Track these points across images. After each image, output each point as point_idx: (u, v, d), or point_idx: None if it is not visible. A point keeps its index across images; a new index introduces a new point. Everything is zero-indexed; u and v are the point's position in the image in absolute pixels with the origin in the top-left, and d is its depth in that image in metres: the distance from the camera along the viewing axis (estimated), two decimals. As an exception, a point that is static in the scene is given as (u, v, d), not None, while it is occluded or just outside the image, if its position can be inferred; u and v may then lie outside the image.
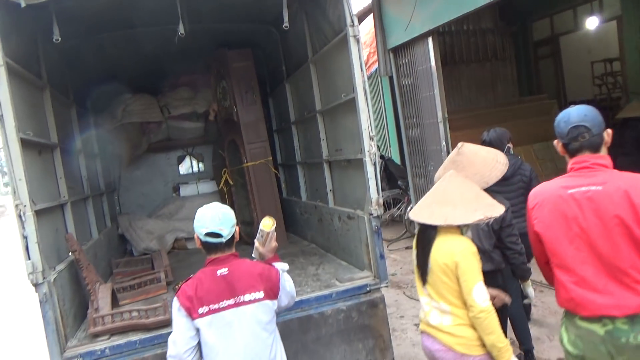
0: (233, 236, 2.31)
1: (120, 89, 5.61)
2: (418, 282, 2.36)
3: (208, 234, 2.23)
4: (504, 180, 2.96)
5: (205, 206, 2.33)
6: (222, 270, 2.23)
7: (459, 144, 2.58)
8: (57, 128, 3.63)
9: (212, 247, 2.27)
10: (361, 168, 3.37)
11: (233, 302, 2.19)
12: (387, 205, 9.31)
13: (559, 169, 2.62)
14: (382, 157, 9.86)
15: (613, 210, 1.91)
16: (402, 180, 8.86)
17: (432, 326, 2.29)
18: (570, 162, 2.06)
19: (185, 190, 6.33)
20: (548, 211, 2.05)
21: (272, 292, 2.28)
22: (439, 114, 6.49)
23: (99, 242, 4.41)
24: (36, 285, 2.66)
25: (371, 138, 3.24)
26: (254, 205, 5.19)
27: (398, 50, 7.31)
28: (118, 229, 5.68)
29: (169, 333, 2.83)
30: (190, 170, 6.58)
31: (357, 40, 3.15)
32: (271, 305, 2.27)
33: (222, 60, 5.05)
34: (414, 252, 2.39)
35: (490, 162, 2.51)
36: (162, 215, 5.94)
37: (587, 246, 1.97)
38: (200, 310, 2.16)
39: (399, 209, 9.01)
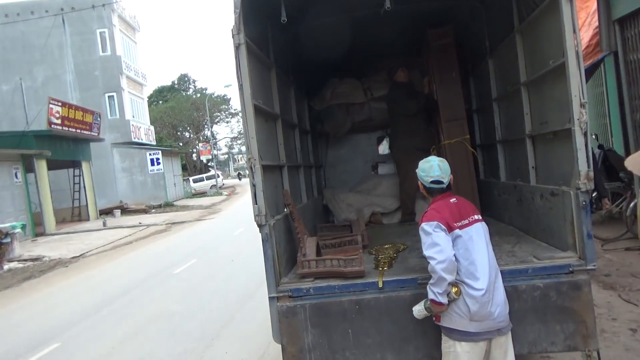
0: (450, 183, 2.92)
1: (330, 72, 6.18)
2: None
3: (433, 182, 2.87)
4: None
5: (425, 160, 2.98)
6: (453, 200, 2.87)
7: None
8: (279, 102, 4.24)
9: (435, 191, 2.91)
10: (569, 139, 3.11)
11: (467, 222, 2.78)
12: (608, 199, 8.19)
13: None
14: (600, 146, 8.73)
15: None
16: (624, 173, 7.70)
17: None
18: None
19: (383, 169, 6.64)
20: None
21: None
22: (680, 91, 5.48)
23: (306, 206, 4.99)
24: (260, 226, 3.20)
25: (582, 105, 2.96)
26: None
27: (626, 21, 6.38)
28: (323, 200, 6.30)
29: (364, 283, 3.17)
30: (388, 150, 6.86)
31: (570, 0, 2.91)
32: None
33: (426, 39, 5.16)
34: None
35: None
36: (361, 191, 6.35)
37: None
38: (457, 224, 2.74)
39: (618, 205, 7.86)
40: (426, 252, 2.69)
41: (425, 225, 2.73)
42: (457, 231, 2.72)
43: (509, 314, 2.80)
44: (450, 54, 5.02)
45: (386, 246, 4.24)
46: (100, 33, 28.57)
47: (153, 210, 26.12)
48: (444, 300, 2.66)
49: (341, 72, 6.28)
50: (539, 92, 3.72)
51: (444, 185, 2.88)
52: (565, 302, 2.98)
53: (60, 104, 20.12)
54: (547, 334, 2.99)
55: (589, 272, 3.02)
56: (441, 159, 2.98)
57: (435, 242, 2.65)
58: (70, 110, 20.80)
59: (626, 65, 6.36)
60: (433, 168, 2.88)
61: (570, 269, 3.02)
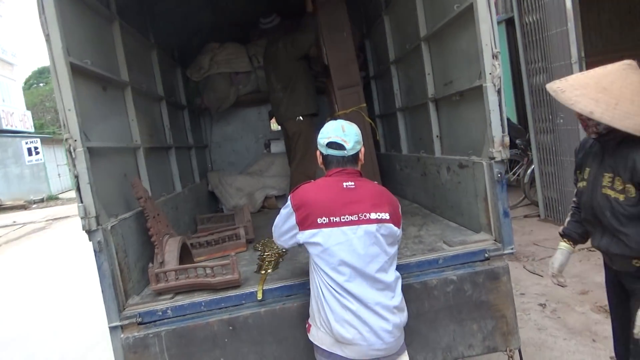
0: (357, 154, 2.14)
1: (207, 37, 5.27)
2: None
3: (330, 144, 2.10)
4: None
5: (331, 121, 2.22)
6: (349, 184, 2.07)
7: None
8: (129, 67, 3.29)
9: (334, 160, 2.12)
10: (479, 99, 2.58)
11: (357, 219, 2.00)
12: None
13: None
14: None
15: None
16: (520, 140, 7.69)
17: None
18: None
19: (277, 147, 5.91)
20: None
21: (396, 217, 2.08)
22: (574, 53, 5.31)
23: (182, 195, 4.12)
24: (89, 232, 2.32)
25: (494, 56, 2.43)
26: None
27: (521, -19, 6.15)
28: (208, 185, 5.44)
29: (238, 295, 2.43)
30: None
31: None
32: (395, 231, 2.06)
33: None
34: None
35: None
36: (253, 173, 5.60)
37: None
38: (320, 220, 2.00)
39: (515, 173, 7.87)
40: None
41: (290, 199, 2.12)
42: (313, 231, 2.01)
43: (418, 316, 2.24)
44: (339, 10, 4.34)
45: (275, 239, 3.54)
46: (-48, 3, 24.44)
47: (34, 206, 23.20)
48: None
49: (222, 36, 5.39)
50: (442, 46, 3.18)
51: (346, 153, 2.09)
52: (482, 295, 2.48)
53: None
54: (463, 335, 2.48)
55: (508, 257, 2.54)
56: (351, 122, 2.21)
57: (279, 221, 2.17)
58: None
59: (522, 28, 6.15)
60: (333, 128, 2.13)
61: (486, 254, 2.53)
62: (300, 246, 2.11)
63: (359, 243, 1.98)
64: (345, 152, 2.10)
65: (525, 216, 6.93)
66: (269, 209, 5.34)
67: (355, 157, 2.14)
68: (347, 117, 4.38)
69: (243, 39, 5.54)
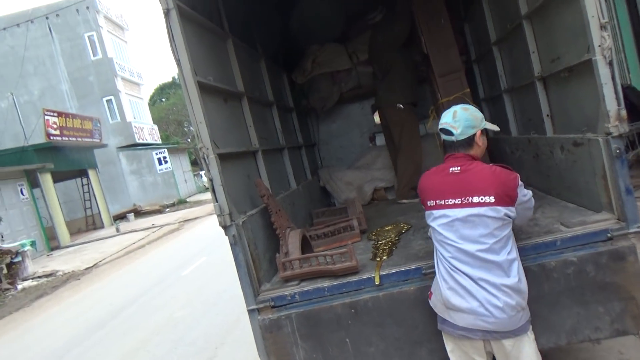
0: (471, 138, 2.25)
1: (308, 40, 5.55)
2: None
3: (441, 130, 2.30)
4: None
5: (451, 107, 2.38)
6: (455, 168, 2.21)
7: None
8: (243, 78, 3.65)
9: (447, 145, 2.30)
10: (590, 74, 2.48)
11: (460, 202, 2.14)
12: (629, 144, 7.46)
13: None
14: (619, 84, 7.93)
15: None
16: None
17: None
18: None
19: (382, 140, 6.00)
20: None
21: (507, 198, 2.11)
22: None
23: (297, 192, 4.43)
24: (225, 227, 2.66)
25: (603, 27, 2.33)
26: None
27: None
28: (320, 181, 5.74)
29: (357, 281, 2.64)
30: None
31: None
32: (502, 211, 2.09)
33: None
34: None
35: None
36: (360, 166, 5.78)
37: None
38: (429, 203, 2.25)
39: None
40: None
41: None
42: (427, 212, 2.30)
43: (539, 299, 2.24)
44: (434, -4, 4.34)
45: (387, 228, 3.69)
46: (89, 37, 27.98)
47: (167, 210, 25.91)
48: None
49: (321, 38, 5.64)
50: (546, 22, 3.07)
51: (455, 138, 2.23)
52: (607, 276, 2.39)
53: (55, 114, 19.74)
54: (589, 318, 2.42)
55: (634, 236, 2.42)
56: (466, 107, 2.34)
57: None
58: (67, 119, 20.41)
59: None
60: (447, 114, 2.31)
61: (609, 234, 2.43)
62: None
63: (461, 225, 2.13)
64: (454, 137, 2.24)
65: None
66: (378, 200, 5.48)
67: (467, 141, 2.25)
68: (450, 104, 4.37)
69: (342, 37, 5.73)
